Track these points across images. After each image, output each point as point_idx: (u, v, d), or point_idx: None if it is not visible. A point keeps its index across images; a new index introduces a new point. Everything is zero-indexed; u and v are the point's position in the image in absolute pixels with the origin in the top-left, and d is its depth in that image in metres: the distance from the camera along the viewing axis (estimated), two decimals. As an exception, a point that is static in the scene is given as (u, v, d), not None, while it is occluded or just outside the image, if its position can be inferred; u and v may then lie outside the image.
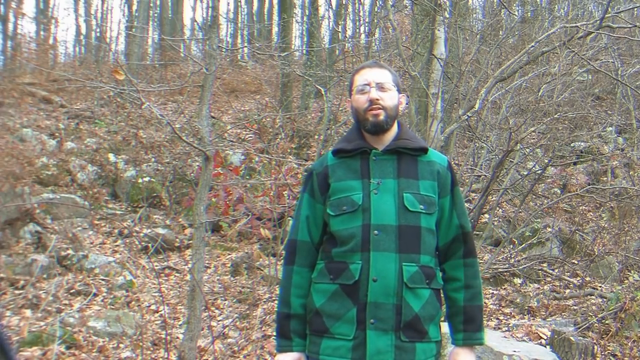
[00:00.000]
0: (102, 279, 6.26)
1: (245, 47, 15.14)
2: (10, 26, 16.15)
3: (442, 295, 2.04)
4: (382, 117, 1.98)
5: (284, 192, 7.37)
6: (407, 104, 2.47)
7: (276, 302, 6.00)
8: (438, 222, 2.01)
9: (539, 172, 7.56)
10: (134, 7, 18.29)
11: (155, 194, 8.67)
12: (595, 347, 4.64)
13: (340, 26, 13.57)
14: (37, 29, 17.97)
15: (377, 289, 1.87)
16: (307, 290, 2.01)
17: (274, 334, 2.08)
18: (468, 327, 1.98)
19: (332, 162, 2.04)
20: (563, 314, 5.62)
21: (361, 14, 18.19)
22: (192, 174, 9.00)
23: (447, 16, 6.53)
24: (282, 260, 2.17)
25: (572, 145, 10.68)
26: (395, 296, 1.87)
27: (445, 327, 2.09)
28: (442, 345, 2.05)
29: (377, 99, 1.98)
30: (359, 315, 1.88)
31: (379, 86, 2.00)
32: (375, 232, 1.90)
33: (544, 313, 5.69)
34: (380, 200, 1.93)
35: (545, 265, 7.00)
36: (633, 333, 4.88)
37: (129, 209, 8.46)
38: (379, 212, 1.92)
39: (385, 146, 2.01)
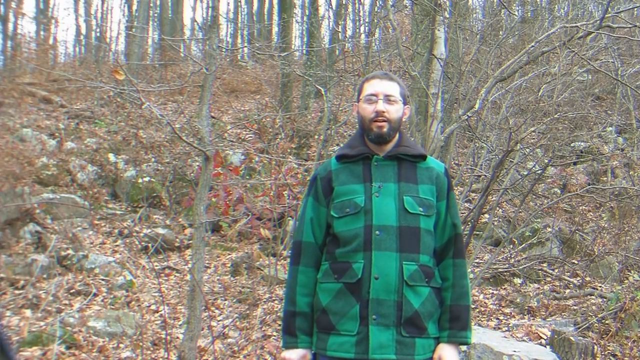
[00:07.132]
0: (102, 279, 6.25)
1: (245, 47, 15.15)
2: (10, 26, 16.17)
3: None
4: (385, 130, 2.07)
5: (284, 192, 7.37)
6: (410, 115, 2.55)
7: (276, 302, 6.02)
8: (435, 224, 2.09)
9: (539, 172, 7.55)
10: (134, 7, 18.26)
11: (155, 194, 8.66)
12: (595, 347, 4.64)
13: (340, 26, 13.55)
14: (37, 29, 17.98)
15: (379, 286, 1.96)
16: (312, 289, 2.10)
17: (281, 331, 2.17)
18: (453, 325, 2.04)
19: (335, 167, 2.14)
20: (563, 314, 5.62)
21: (361, 14, 18.19)
22: (192, 174, 8.99)
23: (447, 16, 6.53)
24: (288, 261, 2.26)
25: (572, 145, 10.67)
26: (396, 293, 1.96)
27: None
28: None
29: (383, 111, 2.06)
30: (362, 311, 1.96)
31: (386, 98, 2.08)
32: (377, 232, 1.99)
33: (544, 313, 5.69)
34: (381, 203, 2.02)
35: (545, 265, 7.00)
36: (633, 333, 4.88)
37: (129, 209, 8.45)
38: (380, 214, 2.01)
39: (386, 152, 2.10)
